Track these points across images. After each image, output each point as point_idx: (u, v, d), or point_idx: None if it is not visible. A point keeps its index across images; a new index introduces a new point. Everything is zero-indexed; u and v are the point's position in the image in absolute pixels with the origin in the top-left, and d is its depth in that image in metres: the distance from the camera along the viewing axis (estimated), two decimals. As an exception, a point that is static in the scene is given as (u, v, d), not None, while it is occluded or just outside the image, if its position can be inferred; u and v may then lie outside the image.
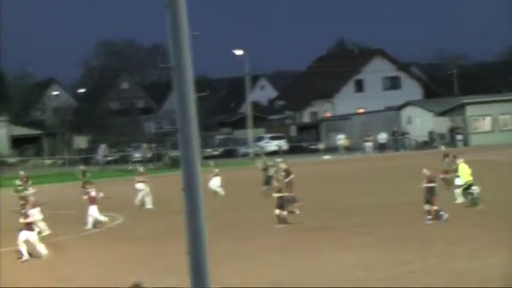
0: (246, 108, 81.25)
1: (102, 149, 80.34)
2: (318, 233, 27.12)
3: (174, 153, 65.59)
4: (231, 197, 39.93)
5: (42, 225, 30.61)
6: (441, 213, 27.10)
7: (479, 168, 34.81)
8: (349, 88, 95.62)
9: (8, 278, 22.88)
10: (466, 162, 31.19)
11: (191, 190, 9.34)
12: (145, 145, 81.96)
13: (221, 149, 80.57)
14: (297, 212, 31.32)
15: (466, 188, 30.19)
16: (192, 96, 9.26)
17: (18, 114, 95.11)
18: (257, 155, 64.72)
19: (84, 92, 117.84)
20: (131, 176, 45.52)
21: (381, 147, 74.40)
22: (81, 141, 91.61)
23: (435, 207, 27.12)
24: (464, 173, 30.44)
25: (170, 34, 9.16)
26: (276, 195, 29.57)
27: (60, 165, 76.20)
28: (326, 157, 70.52)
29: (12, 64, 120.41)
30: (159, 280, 19.90)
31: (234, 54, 76.96)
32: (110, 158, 78.31)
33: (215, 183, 40.85)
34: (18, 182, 40.61)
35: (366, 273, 20.21)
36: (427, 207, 27.21)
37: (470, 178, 30.19)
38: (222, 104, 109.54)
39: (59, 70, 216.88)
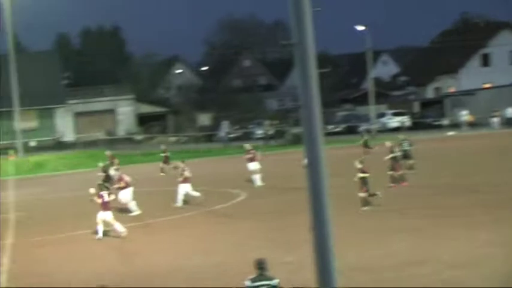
0: (368, 84, 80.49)
1: (225, 126, 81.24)
2: (445, 210, 26.66)
3: (296, 130, 65.75)
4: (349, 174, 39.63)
5: (133, 206, 30.88)
6: None
7: None
8: (474, 63, 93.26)
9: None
10: None
11: (314, 167, 9.33)
12: (267, 122, 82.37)
13: (343, 126, 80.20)
14: (379, 194, 28.44)
15: None
16: (314, 72, 9.22)
17: (144, 93, 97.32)
18: (367, 132, 63.77)
19: (207, 69, 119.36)
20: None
21: (508, 122, 72.41)
22: (204, 119, 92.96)
23: None
24: None
25: (292, 10, 9.14)
26: (359, 175, 28.18)
27: (184, 142, 77.57)
28: (450, 133, 69.15)
29: (139, 44, 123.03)
30: (282, 256, 20.02)
31: (355, 29, 76.30)
32: (233, 135, 79.16)
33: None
34: (100, 164, 38.30)
35: (499, 249, 19.83)
36: None
37: None
38: (344, 80, 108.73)
39: (183, 48, 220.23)
